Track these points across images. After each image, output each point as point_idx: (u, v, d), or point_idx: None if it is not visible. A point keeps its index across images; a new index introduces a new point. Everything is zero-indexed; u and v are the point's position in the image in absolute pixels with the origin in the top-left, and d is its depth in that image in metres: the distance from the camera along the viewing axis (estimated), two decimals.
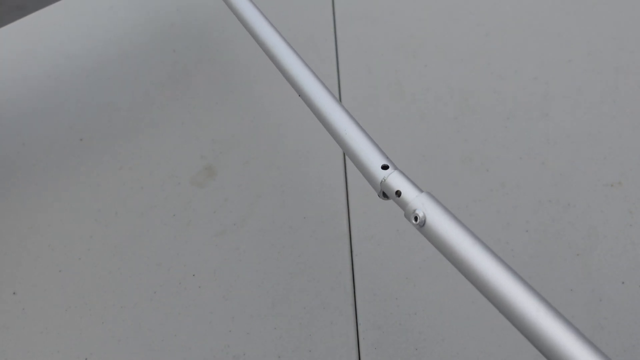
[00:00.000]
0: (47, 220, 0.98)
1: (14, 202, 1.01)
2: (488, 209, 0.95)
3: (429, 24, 1.25)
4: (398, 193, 0.51)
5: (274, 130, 1.08)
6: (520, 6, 1.28)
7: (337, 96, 1.13)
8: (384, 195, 0.54)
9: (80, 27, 1.28)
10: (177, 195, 1.00)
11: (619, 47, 1.18)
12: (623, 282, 0.87)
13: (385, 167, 0.54)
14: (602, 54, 1.17)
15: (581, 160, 1.01)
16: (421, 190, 0.50)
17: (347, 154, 0.58)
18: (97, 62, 1.22)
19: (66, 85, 1.18)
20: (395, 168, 0.54)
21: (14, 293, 0.90)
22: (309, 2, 1.31)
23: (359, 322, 0.85)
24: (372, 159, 0.55)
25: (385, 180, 0.53)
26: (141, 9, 1.31)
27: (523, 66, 1.16)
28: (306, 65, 0.66)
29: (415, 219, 0.47)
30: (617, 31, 1.21)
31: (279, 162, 1.03)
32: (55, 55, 1.23)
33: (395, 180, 0.53)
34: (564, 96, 1.11)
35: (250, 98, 1.13)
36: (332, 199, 0.98)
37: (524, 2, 1.29)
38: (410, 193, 0.50)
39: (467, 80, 1.14)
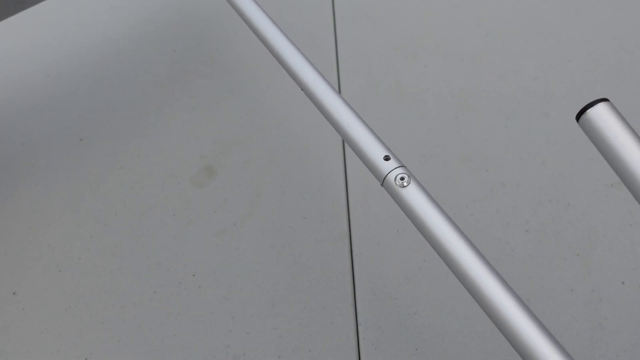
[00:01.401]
0: (47, 220, 0.98)
1: (14, 202, 1.01)
2: (488, 209, 0.95)
3: (429, 24, 1.25)
4: (386, 157, 0.58)
5: (274, 130, 1.08)
6: (520, 6, 1.28)
7: None
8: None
9: (80, 27, 1.28)
10: (177, 195, 1.00)
11: (619, 47, 1.18)
12: (623, 282, 0.87)
13: (387, 158, 0.58)
14: (602, 54, 1.17)
15: (581, 160, 1.01)
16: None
17: (351, 146, 0.61)
18: (97, 62, 1.22)
19: (66, 84, 1.18)
20: (400, 162, 0.58)
21: (13, 293, 0.90)
22: (309, 1, 1.31)
23: (359, 322, 0.85)
24: (375, 151, 0.58)
25: (390, 173, 0.56)
26: (141, 9, 1.31)
27: (523, 66, 1.16)
28: (308, 60, 0.68)
29: (402, 179, 0.55)
30: (617, 31, 1.21)
31: (279, 162, 1.03)
32: (54, 54, 1.23)
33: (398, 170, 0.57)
34: (564, 96, 1.11)
35: (250, 98, 1.13)
36: (332, 199, 0.98)
37: (524, 2, 1.29)
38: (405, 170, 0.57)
39: (467, 80, 1.14)
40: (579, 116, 0.47)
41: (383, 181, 0.57)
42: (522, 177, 0.99)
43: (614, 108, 0.45)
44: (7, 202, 1.01)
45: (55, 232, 0.96)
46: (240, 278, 0.90)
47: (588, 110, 0.46)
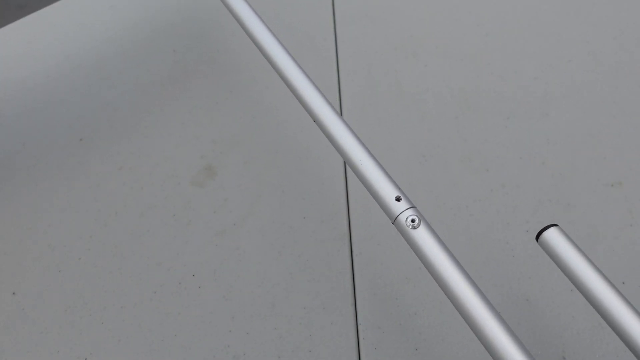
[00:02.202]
0: (47, 220, 0.98)
1: (14, 202, 1.01)
2: (488, 209, 0.95)
3: (429, 24, 1.25)
4: (398, 198, 0.61)
5: (274, 130, 1.08)
6: (520, 6, 1.28)
7: (337, 96, 1.13)
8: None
9: (80, 27, 1.29)
10: (177, 195, 1.00)
11: (619, 47, 1.19)
12: (623, 282, 0.87)
13: (398, 199, 0.62)
14: (602, 54, 1.17)
15: (581, 160, 1.01)
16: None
17: (363, 184, 0.65)
18: (97, 62, 1.22)
19: (66, 85, 1.18)
20: (410, 203, 0.62)
21: (13, 293, 0.90)
22: (309, 2, 1.31)
23: (359, 322, 0.85)
24: (387, 190, 0.63)
25: (402, 214, 0.61)
26: (141, 9, 1.31)
27: (523, 66, 1.16)
28: (322, 94, 0.72)
29: (412, 220, 0.59)
30: (617, 31, 1.22)
31: (279, 162, 1.03)
32: (55, 54, 1.23)
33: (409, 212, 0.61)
34: (564, 96, 1.11)
35: (250, 98, 1.13)
36: (332, 199, 0.98)
37: (524, 2, 1.29)
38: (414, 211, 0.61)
39: (467, 80, 1.14)
40: (537, 237, 0.59)
41: (394, 221, 0.61)
42: (522, 177, 0.99)
43: (563, 232, 0.59)
44: (7, 202, 1.01)
45: (55, 232, 0.96)
46: (240, 278, 0.90)
47: (543, 233, 0.58)
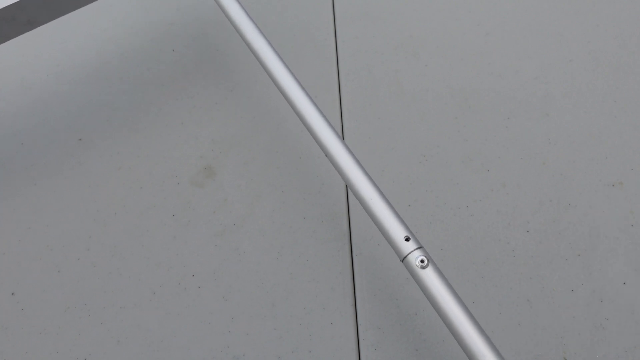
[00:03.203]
0: (45, 221, 0.98)
1: (12, 202, 1.00)
2: (488, 209, 0.95)
3: (429, 24, 1.25)
4: (407, 238, 0.64)
5: (274, 130, 1.08)
6: (520, 6, 1.28)
7: (337, 96, 1.13)
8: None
9: (79, 26, 1.28)
10: (176, 195, 1.00)
11: (620, 46, 1.18)
12: (624, 283, 0.87)
13: (407, 239, 0.64)
14: (602, 54, 1.17)
15: (582, 160, 1.01)
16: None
17: (374, 221, 0.68)
18: (96, 62, 1.21)
19: (65, 84, 1.17)
20: (419, 244, 0.65)
21: (12, 294, 0.90)
22: (309, 2, 1.31)
23: (359, 322, 0.85)
24: (396, 230, 0.66)
25: (411, 254, 0.64)
26: (141, 8, 1.31)
27: (523, 66, 1.16)
28: (338, 135, 0.75)
29: (422, 261, 0.62)
30: (618, 31, 1.21)
31: (279, 162, 1.03)
32: (54, 54, 1.23)
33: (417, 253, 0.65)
34: (564, 96, 1.10)
35: (250, 98, 1.13)
36: (332, 199, 0.98)
37: (524, 2, 1.28)
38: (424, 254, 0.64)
39: (467, 80, 1.14)
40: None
41: (403, 259, 0.64)
42: (522, 177, 0.99)
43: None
44: (5, 201, 1.00)
45: (54, 232, 0.96)
46: (239, 278, 0.90)
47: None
